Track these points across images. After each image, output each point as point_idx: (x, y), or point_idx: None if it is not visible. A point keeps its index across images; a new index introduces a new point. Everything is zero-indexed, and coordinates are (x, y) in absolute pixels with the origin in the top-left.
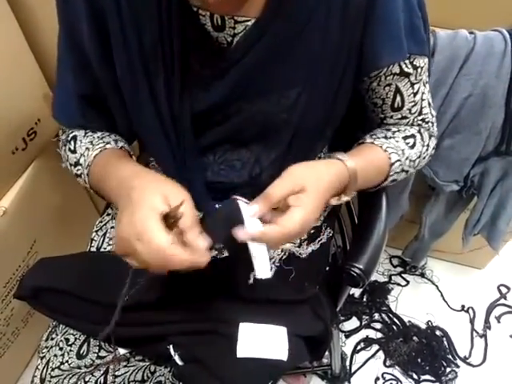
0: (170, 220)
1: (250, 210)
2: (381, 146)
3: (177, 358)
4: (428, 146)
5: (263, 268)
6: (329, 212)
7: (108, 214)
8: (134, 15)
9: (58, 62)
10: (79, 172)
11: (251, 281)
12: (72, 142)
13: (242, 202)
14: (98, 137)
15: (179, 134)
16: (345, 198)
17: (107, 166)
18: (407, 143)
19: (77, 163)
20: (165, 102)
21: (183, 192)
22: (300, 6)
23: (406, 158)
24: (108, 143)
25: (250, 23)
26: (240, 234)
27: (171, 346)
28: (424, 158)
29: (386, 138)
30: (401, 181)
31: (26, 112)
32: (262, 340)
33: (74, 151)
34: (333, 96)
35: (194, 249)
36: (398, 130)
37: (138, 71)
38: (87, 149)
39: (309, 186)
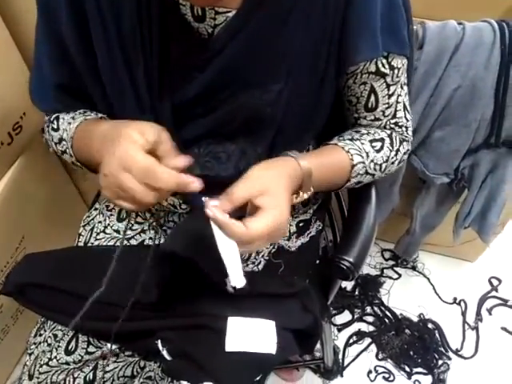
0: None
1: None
2: (343, 147)
3: (165, 353)
4: (398, 150)
5: (236, 275)
6: (318, 205)
7: (95, 209)
8: (112, 5)
9: (35, 50)
10: (64, 148)
11: (230, 288)
12: (55, 122)
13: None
14: (80, 112)
15: (160, 125)
16: (305, 195)
17: (89, 130)
18: (373, 146)
19: (61, 139)
20: (145, 93)
21: (158, 126)
22: None
23: (371, 161)
24: (89, 115)
25: (230, 14)
26: (207, 203)
27: (159, 341)
28: (393, 162)
29: (351, 139)
30: (390, 174)
31: (11, 106)
32: (250, 334)
33: (57, 129)
34: (317, 90)
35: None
36: (368, 133)
37: (117, 60)
38: (69, 123)
39: (273, 187)
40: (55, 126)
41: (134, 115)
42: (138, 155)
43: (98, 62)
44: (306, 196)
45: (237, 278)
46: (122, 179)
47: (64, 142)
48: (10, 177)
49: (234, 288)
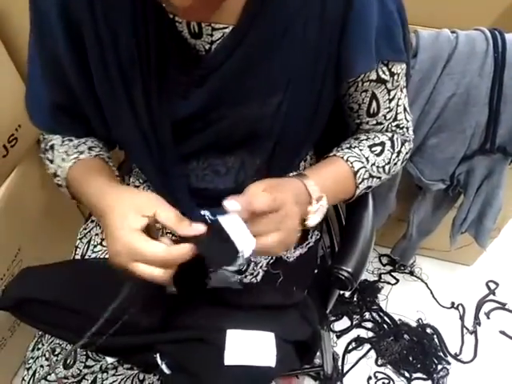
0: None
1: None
2: (342, 157)
3: (164, 367)
4: (400, 152)
5: (245, 241)
6: None
7: (92, 221)
8: (109, 23)
9: (29, 69)
10: (60, 183)
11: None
12: (50, 152)
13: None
14: (74, 145)
15: (160, 142)
16: (321, 202)
17: (82, 181)
18: (373, 151)
19: (55, 174)
20: (144, 111)
21: (154, 199)
22: (279, 13)
23: (372, 165)
24: (82, 153)
25: (227, 30)
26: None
27: (158, 355)
28: (396, 163)
29: (349, 147)
30: (387, 180)
31: (6, 118)
32: (249, 347)
33: (52, 161)
34: (315, 102)
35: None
36: (367, 139)
37: (115, 80)
38: (62, 159)
39: (276, 186)
40: (50, 157)
41: (133, 135)
42: (144, 246)
43: (95, 83)
44: (322, 202)
45: (246, 244)
46: (137, 270)
47: (58, 178)
48: (5, 189)
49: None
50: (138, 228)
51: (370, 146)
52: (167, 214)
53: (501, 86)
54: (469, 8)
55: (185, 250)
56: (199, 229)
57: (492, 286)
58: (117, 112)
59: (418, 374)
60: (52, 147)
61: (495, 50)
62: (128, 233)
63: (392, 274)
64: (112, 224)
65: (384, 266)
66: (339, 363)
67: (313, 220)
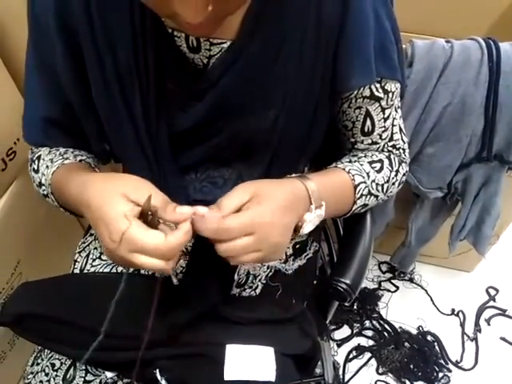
0: (147, 216)
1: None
2: (343, 169)
3: (163, 383)
4: (397, 171)
5: None
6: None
7: (91, 235)
8: (107, 36)
9: (26, 82)
10: (45, 192)
11: None
12: (36, 162)
13: None
14: (60, 153)
15: (158, 155)
16: (318, 211)
17: (63, 181)
18: (373, 167)
19: (40, 183)
20: (142, 124)
21: (141, 183)
22: (275, 29)
23: (372, 181)
24: (67, 159)
25: (225, 45)
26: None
27: (157, 370)
28: (393, 183)
29: (350, 162)
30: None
31: (4, 132)
32: (249, 361)
33: (37, 171)
34: (311, 115)
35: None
36: (365, 156)
37: (114, 92)
38: (47, 167)
39: (264, 191)
40: (35, 167)
41: (132, 147)
42: (143, 237)
43: (93, 96)
44: (320, 212)
45: None
46: (137, 261)
47: (44, 187)
48: (4, 202)
49: None
50: (131, 215)
51: (370, 162)
52: (155, 199)
53: (496, 94)
54: (463, 17)
55: (182, 237)
56: (184, 211)
57: (492, 292)
58: (116, 124)
59: (420, 382)
60: (39, 158)
61: (490, 59)
62: (121, 220)
63: (392, 281)
64: (100, 211)
65: (384, 273)
66: (340, 372)
67: (307, 228)
